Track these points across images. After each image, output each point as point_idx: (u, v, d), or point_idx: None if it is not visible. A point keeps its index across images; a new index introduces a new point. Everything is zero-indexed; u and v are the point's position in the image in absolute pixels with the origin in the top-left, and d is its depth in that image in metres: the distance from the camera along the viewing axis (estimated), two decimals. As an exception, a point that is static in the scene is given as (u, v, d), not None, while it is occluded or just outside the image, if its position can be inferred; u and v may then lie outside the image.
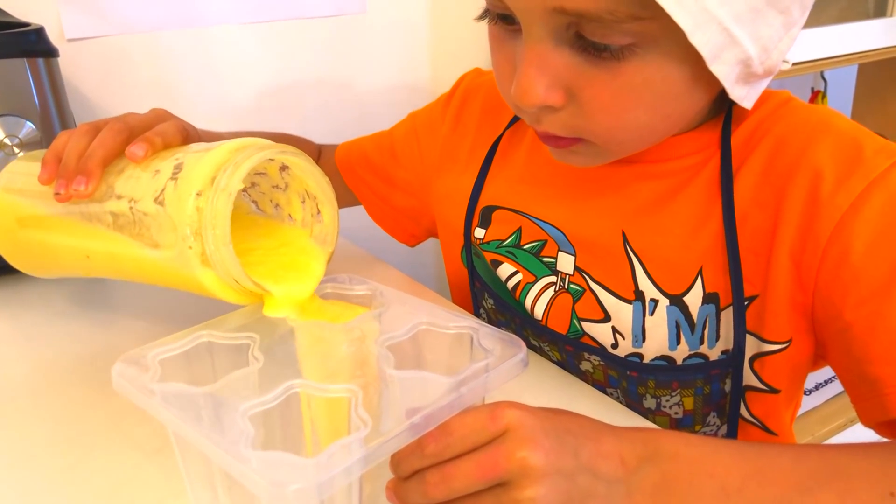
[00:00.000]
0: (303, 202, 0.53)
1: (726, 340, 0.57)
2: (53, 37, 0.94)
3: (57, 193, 0.53)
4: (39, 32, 0.78)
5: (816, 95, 1.68)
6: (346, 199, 0.84)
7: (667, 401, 0.59)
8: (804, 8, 0.49)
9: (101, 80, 1.00)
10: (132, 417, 0.55)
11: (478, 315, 0.72)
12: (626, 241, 0.59)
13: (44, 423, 0.56)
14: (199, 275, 0.45)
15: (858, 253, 0.50)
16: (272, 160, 0.49)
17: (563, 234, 0.62)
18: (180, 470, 0.44)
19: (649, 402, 0.59)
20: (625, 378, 0.59)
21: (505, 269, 0.66)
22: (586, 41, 0.47)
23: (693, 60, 0.47)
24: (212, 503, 0.42)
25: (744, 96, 0.52)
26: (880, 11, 1.35)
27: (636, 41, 0.46)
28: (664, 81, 0.48)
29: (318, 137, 0.91)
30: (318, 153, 0.88)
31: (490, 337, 0.44)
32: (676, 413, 0.59)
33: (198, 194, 0.45)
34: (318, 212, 0.52)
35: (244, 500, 0.42)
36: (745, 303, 0.56)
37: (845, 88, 1.77)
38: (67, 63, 0.95)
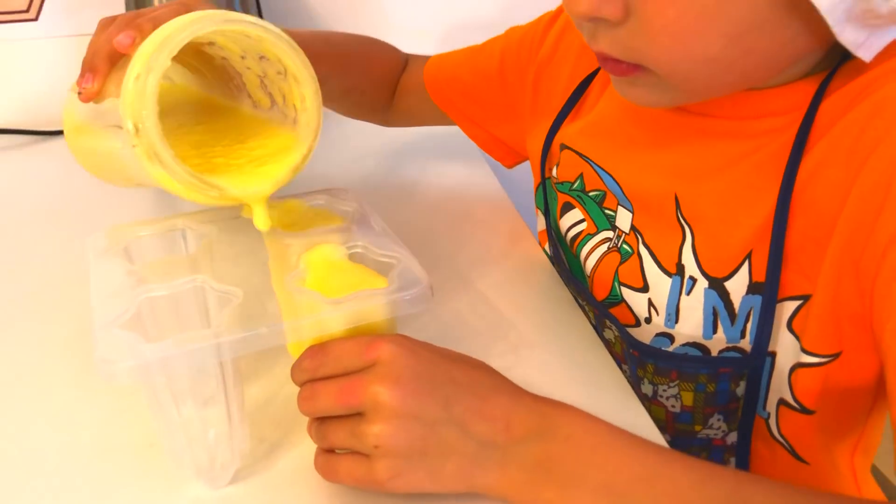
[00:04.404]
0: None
1: (774, 338, 0.48)
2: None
3: (79, 94, 0.47)
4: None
5: None
6: (438, 117, 0.77)
7: (664, 390, 0.51)
8: None
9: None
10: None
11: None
12: (678, 205, 0.51)
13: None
14: (150, 170, 0.40)
15: None
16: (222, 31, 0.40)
17: (619, 187, 0.56)
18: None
19: (646, 388, 0.52)
20: (628, 356, 0.53)
21: (572, 216, 0.61)
22: None
23: None
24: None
25: (860, 43, 0.41)
26: None
27: None
28: (748, 3, 0.40)
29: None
30: (405, 64, 0.79)
31: (407, 271, 0.42)
32: (673, 406, 0.51)
33: (136, 78, 0.39)
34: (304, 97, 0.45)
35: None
36: (799, 301, 0.46)
37: None
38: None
